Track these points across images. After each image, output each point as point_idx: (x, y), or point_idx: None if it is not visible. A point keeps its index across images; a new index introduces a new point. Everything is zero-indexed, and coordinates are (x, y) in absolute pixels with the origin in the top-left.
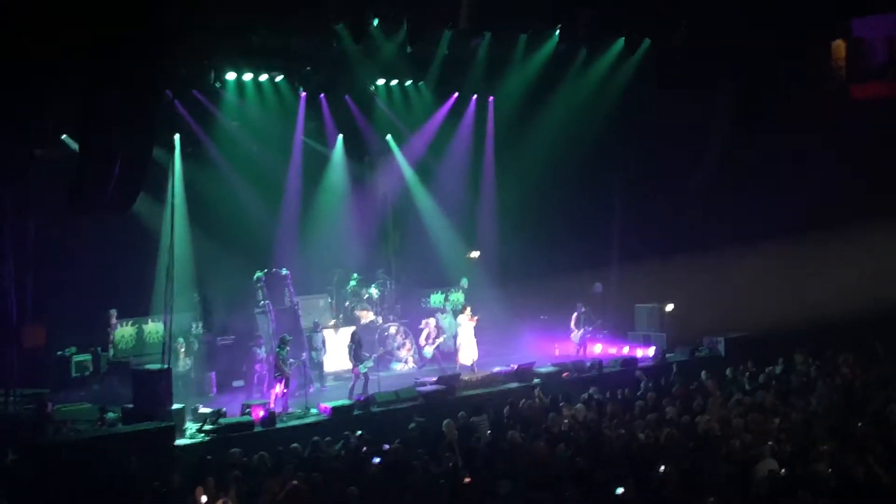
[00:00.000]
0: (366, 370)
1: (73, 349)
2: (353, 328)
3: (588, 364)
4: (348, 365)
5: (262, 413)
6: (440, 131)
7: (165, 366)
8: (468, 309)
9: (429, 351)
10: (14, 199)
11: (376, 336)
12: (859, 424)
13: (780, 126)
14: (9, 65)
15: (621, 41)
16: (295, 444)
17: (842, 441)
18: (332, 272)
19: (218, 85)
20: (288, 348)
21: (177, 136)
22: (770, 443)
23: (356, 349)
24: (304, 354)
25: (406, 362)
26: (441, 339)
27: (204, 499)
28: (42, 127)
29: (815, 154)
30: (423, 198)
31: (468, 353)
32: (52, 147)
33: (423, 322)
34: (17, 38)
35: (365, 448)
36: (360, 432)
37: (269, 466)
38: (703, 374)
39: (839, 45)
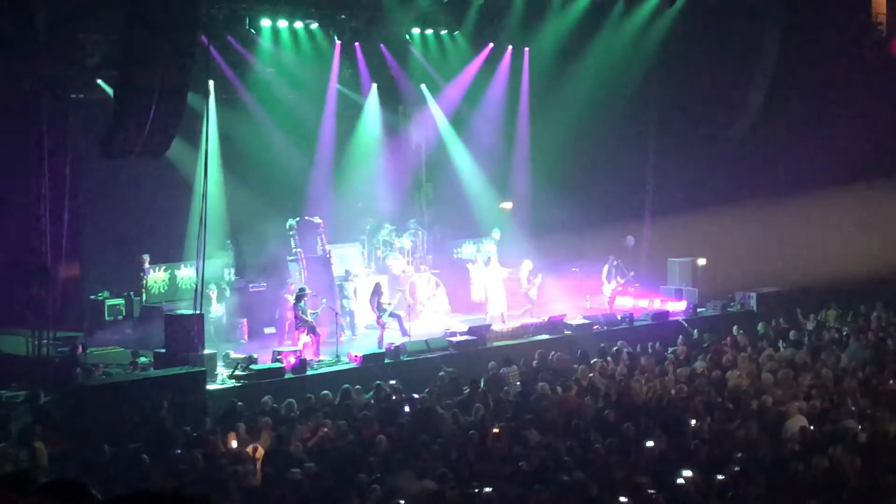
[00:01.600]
0: (388, 318)
1: (106, 293)
2: (375, 279)
3: (619, 317)
4: (372, 315)
5: (293, 360)
6: (475, 82)
7: (198, 311)
8: (494, 259)
9: (534, 293)
10: (51, 142)
11: (407, 285)
12: (891, 381)
13: (819, 79)
14: (47, 10)
15: None
16: (325, 392)
17: (873, 398)
18: (365, 221)
19: (253, 31)
20: (305, 300)
21: (211, 82)
22: (801, 399)
23: (378, 299)
24: (336, 302)
25: (437, 312)
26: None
27: (234, 444)
28: (80, 71)
29: (853, 109)
30: (456, 148)
31: (498, 303)
32: (89, 91)
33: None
34: None
35: (395, 397)
36: (393, 382)
37: (297, 413)
38: (734, 328)
39: None
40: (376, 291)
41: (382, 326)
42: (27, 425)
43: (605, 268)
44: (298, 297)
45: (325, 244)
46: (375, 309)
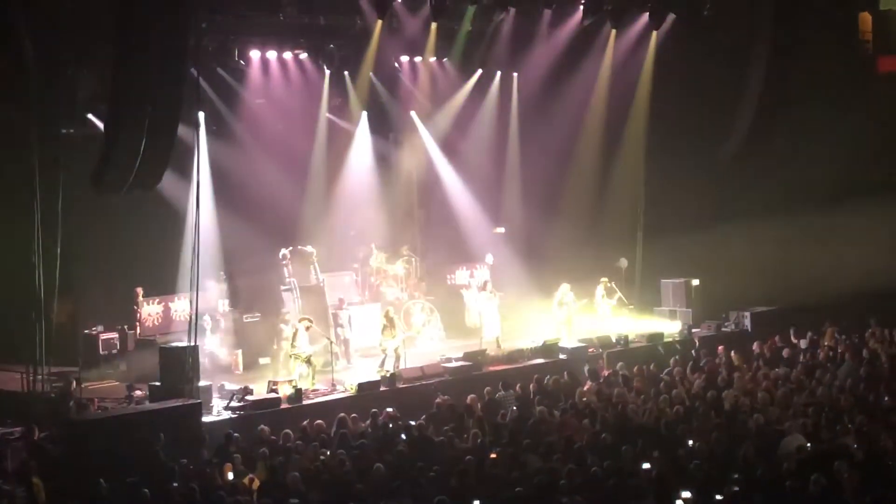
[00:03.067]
0: (396, 347)
1: (100, 327)
2: (386, 306)
3: (614, 339)
4: (374, 342)
5: (288, 390)
6: (465, 107)
7: (192, 343)
8: (489, 284)
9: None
10: (42, 176)
11: (401, 313)
12: (886, 398)
13: (807, 97)
14: (35, 46)
15: (646, 15)
16: (320, 421)
17: (869, 414)
18: (358, 249)
19: (242, 62)
20: (308, 329)
21: (201, 114)
22: (797, 417)
23: (388, 326)
24: (331, 331)
25: (431, 339)
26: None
27: (231, 476)
28: (70, 106)
29: (842, 126)
30: (448, 174)
31: (492, 328)
32: (79, 126)
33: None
34: (45, 17)
35: (391, 424)
36: (389, 409)
37: (295, 443)
38: (719, 349)
39: (865, 17)
40: (388, 318)
41: (385, 353)
42: (23, 461)
43: (598, 289)
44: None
45: (318, 273)
46: (382, 334)
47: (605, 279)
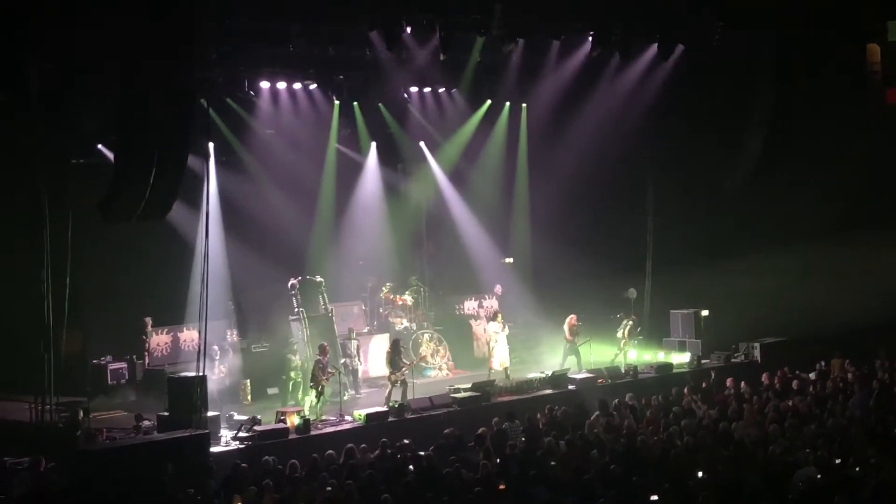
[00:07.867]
0: (403, 378)
1: (109, 357)
2: (393, 336)
3: (623, 370)
4: (383, 372)
5: (296, 420)
6: (474, 138)
7: (200, 373)
8: (500, 315)
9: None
10: (51, 207)
11: (410, 343)
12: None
13: (816, 127)
14: (46, 76)
15: (654, 47)
16: (330, 451)
17: (879, 446)
18: (366, 279)
19: (252, 93)
20: (328, 356)
21: (211, 145)
22: (807, 449)
23: (394, 357)
24: (340, 361)
25: (440, 369)
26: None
27: None
28: (79, 136)
29: (850, 157)
30: (456, 204)
31: (501, 359)
32: (88, 156)
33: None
34: (53, 50)
35: (399, 455)
36: (407, 441)
37: (302, 474)
38: (727, 381)
39: (874, 49)
40: (394, 349)
41: (392, 384)
42: (28, 492)
43: (626, 326)
44: (321, 353)
45: (326, 303)
46: (389, 366)
47: (630, 317)
